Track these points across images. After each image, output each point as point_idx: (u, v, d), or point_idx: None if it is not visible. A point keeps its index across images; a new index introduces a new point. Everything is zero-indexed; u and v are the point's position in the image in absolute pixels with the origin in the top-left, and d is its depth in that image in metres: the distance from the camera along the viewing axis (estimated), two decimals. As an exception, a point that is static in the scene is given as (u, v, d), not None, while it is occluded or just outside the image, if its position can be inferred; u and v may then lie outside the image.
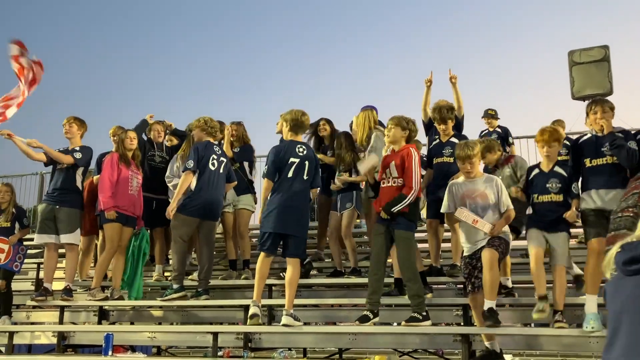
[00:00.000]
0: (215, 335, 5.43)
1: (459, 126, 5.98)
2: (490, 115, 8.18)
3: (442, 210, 4.99)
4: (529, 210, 4.96)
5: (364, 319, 4.92)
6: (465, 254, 4.87)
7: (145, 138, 7.02)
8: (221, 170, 6.06)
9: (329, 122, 6.74)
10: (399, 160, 4.97)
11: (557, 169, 4.87)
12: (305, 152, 5.28)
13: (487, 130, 8.05)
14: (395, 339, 5.18)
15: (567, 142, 7.29)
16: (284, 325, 5.10)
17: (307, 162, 5.23)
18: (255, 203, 6.87)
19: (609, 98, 8.25)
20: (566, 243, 4.79)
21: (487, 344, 4.77)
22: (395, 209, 4.82)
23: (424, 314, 4.81)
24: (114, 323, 6.70)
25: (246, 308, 5.94)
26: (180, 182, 5.90)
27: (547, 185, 4.81)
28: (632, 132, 4.80)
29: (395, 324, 5.88)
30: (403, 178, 4.91)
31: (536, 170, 4.95)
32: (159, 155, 7.01)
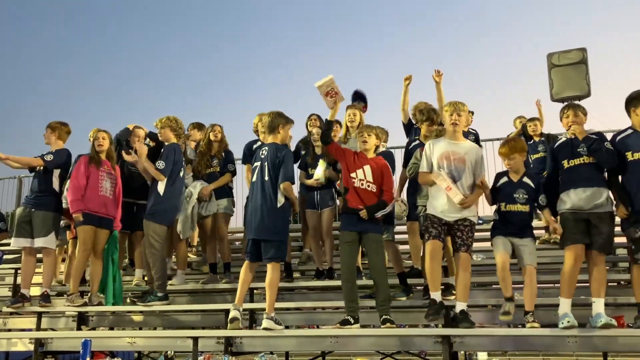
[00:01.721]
0: (195, 339, 5.38)
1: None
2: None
3: (420, 170, 5.06)
4: (495, 216, 5.03)
5: (344, 323, 4.94)
6: (431, 212, 4.89)
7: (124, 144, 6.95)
8: (185, 177, 6.23)
9: (320, 118, 6.66)
10: (377, 170, 5.07)
11: (526, 179, 4.94)
12: (265, 152, 5.27)
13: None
14: (377, 341, 5.16)
15: (544, 139, 7.40)
16: (264, 329, 5.08)
17: (266, 164, 5.21)
18: (234, 206, 6.86)
19: (587, 100, 8.44)
20: (533, 245, 4.88)
21: (432, 295, 4.80)
22: (378, 214, 4.94)
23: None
24: (94, 328, 6.61)
25: (227, 312, 5.90)
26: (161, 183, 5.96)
27: (515, 195, 4.87)
28: (607, 133, 4.87)
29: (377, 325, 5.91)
30: (382, 187, 5.03)
31: (505, 179, 5.00)
32: None
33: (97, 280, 6.25)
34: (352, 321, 4.95)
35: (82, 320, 6.38)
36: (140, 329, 6.86)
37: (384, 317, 4.88)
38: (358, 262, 6.26)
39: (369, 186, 5.04)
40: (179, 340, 5.65)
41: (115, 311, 6.50)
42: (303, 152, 6.67)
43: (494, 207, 5.11)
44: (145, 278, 6.83)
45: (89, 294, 6.22)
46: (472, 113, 8.16)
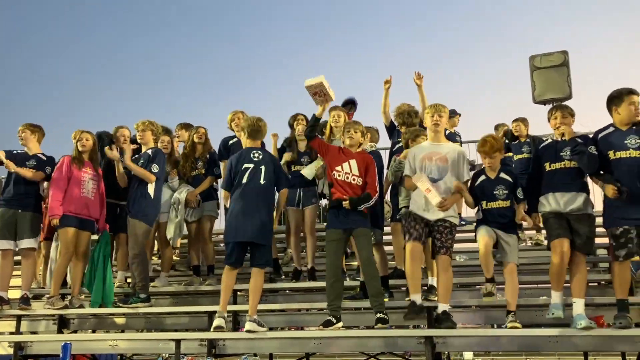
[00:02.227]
0: (177, 342, 5.34)
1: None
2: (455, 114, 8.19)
3: (404, 173, 5.10)
4: (479, 216, 5.08)
5: (327, 324, 4.93)
6: (413, 210, 4.93)
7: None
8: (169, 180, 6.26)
9: (306, 118, 6.62)
10: (362, 163, 5.08)
11: (503, 175, 5.02)
12: (260, 156, 5.26)
13: (449, 132, 8.08)
14: (361, 342, 5.16)
15: (529, 140, 7.46)
16: (247, 331, 5.06)
17: (262, 167, 5.20)
18: (219, 209, 6.83)
19: (568, 102, 8.52)
20: (516, 242, 4.94)
21: (412, 297, 4.84)
22: (362, 206, 4.95)
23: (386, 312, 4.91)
24: (75, 331, 6.54)
25: (210, 314, 5.89)
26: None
27: (495, 192, 4.96)
28: (590, 135, 4.92)
29: (362, 327, 5.92)
30: (366, 180, 5.04)
31: (482, 177, 5.07)
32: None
33: (78, 282, 6.19)
34: (335, 321, 4.94)
35: (63, 323, 6.29)
36: (123, 331, 6.80)
37: (378, 315, 4.87)
38: (342, 263, 6.27)
39: (354, 179, 5.05)
40: (161, 343, 5.61)
41: (97, 314, 6.43)
42: (282, 148, 6.67)
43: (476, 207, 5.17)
44: (128, 280, 6.78)
45: (70, 297, 6.15)
46: (460, 115, 8.21)
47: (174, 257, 7.58)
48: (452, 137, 7.90)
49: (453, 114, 8.11)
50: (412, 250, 4.81)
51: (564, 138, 4.76)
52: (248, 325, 5.06)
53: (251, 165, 5.19)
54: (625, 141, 4.57)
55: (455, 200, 4.90)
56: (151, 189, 5.96)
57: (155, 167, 5.96)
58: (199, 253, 6.77)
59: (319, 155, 5.98)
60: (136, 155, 6.21)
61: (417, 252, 4.83)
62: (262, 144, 5.58)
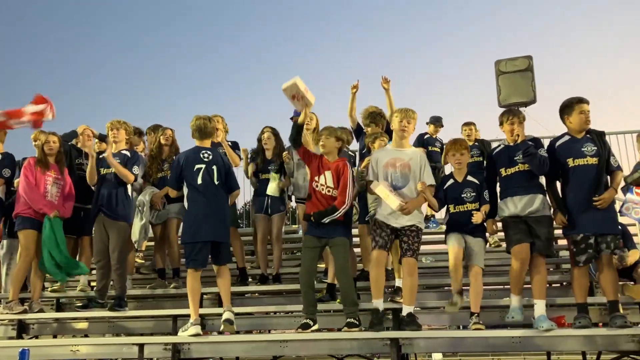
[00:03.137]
0: (141, 346, 5.25)
1: (389, 131, 6.05)
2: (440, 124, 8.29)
3: (367, 178, 5.10)
4: (447, 217, 5.15)
5: (305, 326, 4.97)
6: (378, 218, 4.95)
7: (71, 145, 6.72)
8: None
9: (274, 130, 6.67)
10: (335, 172, 5.03)
11: (470, 178, 5.09)
12: (210, 156, 5.22)
13: (429, 136, 8.15)
14: (329, 345, 5.15)
15: (478, 144, 7.57)
16: (226, 320, 5.04)
17: (214, 167, 5.18)
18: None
19: (532, 106, 8.72)
20: (483, 245, 5.00)
21: (374, 302, 4.90)
22: (326, 219, 4.89)
23: (359, 317, 4.94)
24: (36, 337, 6.37)
25: (175, 318, 5.82)
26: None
27: (463, 196, 5.01)
28: (544, 139, 5.05)
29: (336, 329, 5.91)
30: (338, 191, 4.99)
31: (450, 181, 5.13)
32: (88, 163, 6.70)
33: (39, 286, 6.04)
34: (312, 323, 4.99)
35: (22, 328, 6.14)
36: (86, 336, 6.65)
37: (348, 320, 4.91)
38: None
39: (329, 191, 5.03)
40: (124, 347, 5.49)
41: (59, 318, 6.28)
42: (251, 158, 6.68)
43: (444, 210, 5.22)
44: (92, 284, 6.63)
45: (30, 301, 5.98)
46: (442, 126, 8.25)
47: (139, 260, 7.46)
48: (433, 141, 7.99)
49: (437, 121, 8.16)
50: (378, 258, 4.87)
51: (517, 142, 4.85)
52: (226, 315, 5.06)
53: (202, 166, 5.15)
54: (582, 149, 4.71)
55: (417, 203, 4.93)
56: (129, 190, 5.93)
57: (136, 169, 5.90)
58: (164, 256, 6.67)
59: (273, 168, 6.27)
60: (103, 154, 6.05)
61: (382, 260, 4.89)
62: (213, 144, 5.55)
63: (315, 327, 5.01)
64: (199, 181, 5.11)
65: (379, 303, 4.88)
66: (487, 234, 5.18)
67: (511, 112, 5.08)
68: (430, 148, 7.84)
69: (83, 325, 6.34)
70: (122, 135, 6.03)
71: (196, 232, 5.06)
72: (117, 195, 5.83)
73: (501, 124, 5.01)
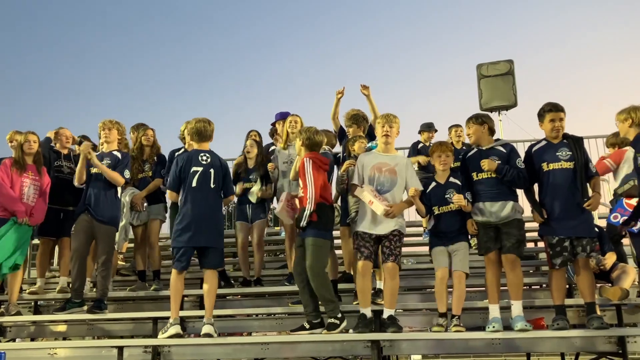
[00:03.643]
0: (120, 349, 5.18)
1: (371, 135, 6.08)
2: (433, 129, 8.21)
3: (352, 181, 5.14)
4: (431, 224, 5.19)
5: (300, 328, 5.02)
6: (360, 229, 4.96)
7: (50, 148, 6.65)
8: None
9: (259, 134, 6.75)
10: (300, 172, 5.04)
11: (452, 179, 5.15)
12: (209, 159, 5.18)
13: (422, 145, 8.09)
14: (310, 347, 5.13)
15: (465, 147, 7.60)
16: (205, 334, 4.99)
17: (212, 170, 5.13)
18: (166, 212, 6.70)
19: (514, 110, 8.80)
20: (466, 250, 5.04)
21: (362, 310, 4.93)
22: (302, 223, 4.87)
23: (340, 316, 4.89)
24: (14, 340, 6.27)
25: (156, 320, 5.76)
26: None
27: (446, 197, 5.06)
28: (524, 142, 5.11)
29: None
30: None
31: (433, 184, 5.19)
32: (67, 165, 6.61)
33: (16, 289, 5.94)
34: (308, 326, 5.01)
35: (-2, 331, 6.02)
36: (64, 339, 6.56)
37: (328, 320, 4.91)
38: (289, 267, 6.28)
39: (302, 192, 5.04)
40: (103, 350, 5.41)
41: (37, 321, 6.18)
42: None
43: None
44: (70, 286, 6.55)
45: (7, 304, 5.90)
46: (436, 130, 8.20)
47: (119, 262, 7.39)
48: (427, 149, 7.91)
49: (428, 128, 8.10)
50: (364, 268, 4.89)
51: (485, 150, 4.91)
52: (206, 329, 4.99)
53: (200, 169, 5.09)
54: (557, 153, 4.80)
55: (402, 207, 4.96)
56: (117, 193, 5.88)
57: (127, 173, 5.87)
58: (145, 258, 6.61)
59: (256, 173, 6.33)
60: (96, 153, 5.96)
61: (368, 270, 4.92)
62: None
63: (317, 330, 4.97)
64: (194, 184, 5.06)
65: (367, 311, 4.92)
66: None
67: (472, 117, 5.07)
68: (427, 157, 7.51)
69: (61, 328, 6.25)
70: (114, 136, 5.97)
71: (185, 237, 5.00)
72: (107, 197, 5.78)
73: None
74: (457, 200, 4.89)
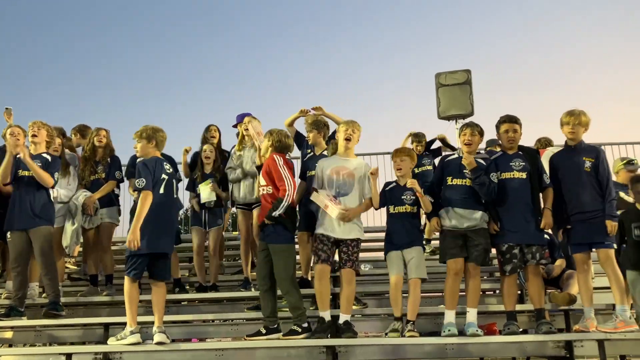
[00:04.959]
0: (69, 356, 5.03)
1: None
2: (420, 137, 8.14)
3: (312, 185, 5.20)
4: (386, 222, 5.22)
5: (256, 334, 5.01)
6: (319, 231, 4.99)
7: None
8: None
9: (219, 129, 6.68)
10: (265, 170, 5.05)
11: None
12: (171, 170, 5.15)
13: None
14: (266, 353, 5.09)
15: (427, 152, 7.67)
16: (157, 343, 4.89)
17: (174, 181, 5.12)
18: (119, 215, 6.55)
19: (470, 118, 8.94)
20: (421, 255, 5.09)
21: (321, 314, 4.95)
22: (275, 213, 4.82)
23: (305, 325, 4.90)
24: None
25: (107, 326, 5.61)
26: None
27: (402, 197, 5.13)
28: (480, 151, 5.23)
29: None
30: (271, 185, 4.96)
31: (393, 184, 5.27)
32: None
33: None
34: (264, 331, 4.99)
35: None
36: (10, 346, 6.30)
37: (290, 327, 4.92)
38: (247, 273, 6.22)
39: (264, 190, 5.05)
40: (51, 357, 5.24)
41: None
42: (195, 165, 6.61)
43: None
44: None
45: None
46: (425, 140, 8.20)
47: (70, 266, 7.18)
48: (419, 159, 7.80)
49: (416, 137, 8.07)
50: (321, 272, 4.91)
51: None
52: (158, 337, 4.89)
53: (166, 177, 5.02)
54: (510, 163, 4.96)
55: (357, 212, 5.00)
56: (50, 191, 5.70)
57: (57, 175, 5.72)
58: (97, 262, 6.43)
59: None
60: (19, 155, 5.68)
61: (326, 273, 4.94)
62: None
63: (274, 335, 4.97)
64: (162, 191, 4.93)
65: (325, 314, 4.93)
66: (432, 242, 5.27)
67: (466, 125, 5.14)
68: (419, 169, 7.42)
69: (7, 334, 6.00)
70: (43, 137, 5.77)
71: (148, 243, 4.81)
72: (38, 198, 5.57)
73: (459, 135, 5.13)
74: (412, 184, 4.99)
